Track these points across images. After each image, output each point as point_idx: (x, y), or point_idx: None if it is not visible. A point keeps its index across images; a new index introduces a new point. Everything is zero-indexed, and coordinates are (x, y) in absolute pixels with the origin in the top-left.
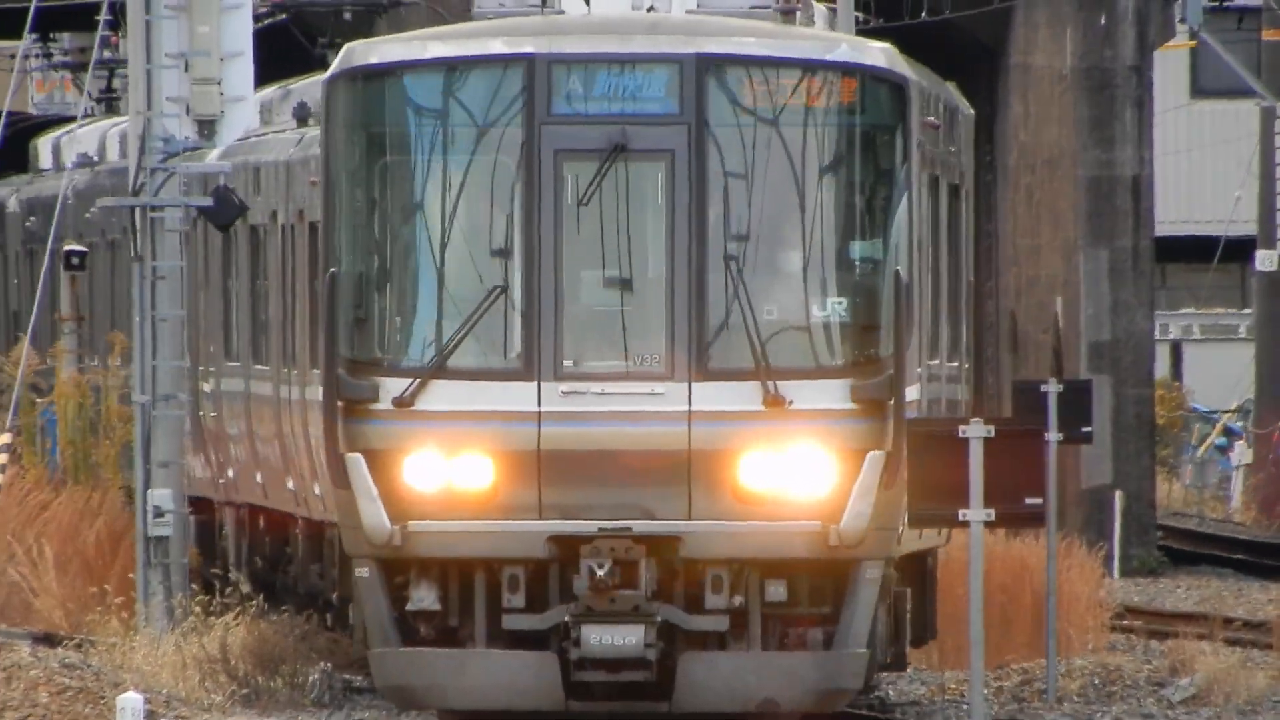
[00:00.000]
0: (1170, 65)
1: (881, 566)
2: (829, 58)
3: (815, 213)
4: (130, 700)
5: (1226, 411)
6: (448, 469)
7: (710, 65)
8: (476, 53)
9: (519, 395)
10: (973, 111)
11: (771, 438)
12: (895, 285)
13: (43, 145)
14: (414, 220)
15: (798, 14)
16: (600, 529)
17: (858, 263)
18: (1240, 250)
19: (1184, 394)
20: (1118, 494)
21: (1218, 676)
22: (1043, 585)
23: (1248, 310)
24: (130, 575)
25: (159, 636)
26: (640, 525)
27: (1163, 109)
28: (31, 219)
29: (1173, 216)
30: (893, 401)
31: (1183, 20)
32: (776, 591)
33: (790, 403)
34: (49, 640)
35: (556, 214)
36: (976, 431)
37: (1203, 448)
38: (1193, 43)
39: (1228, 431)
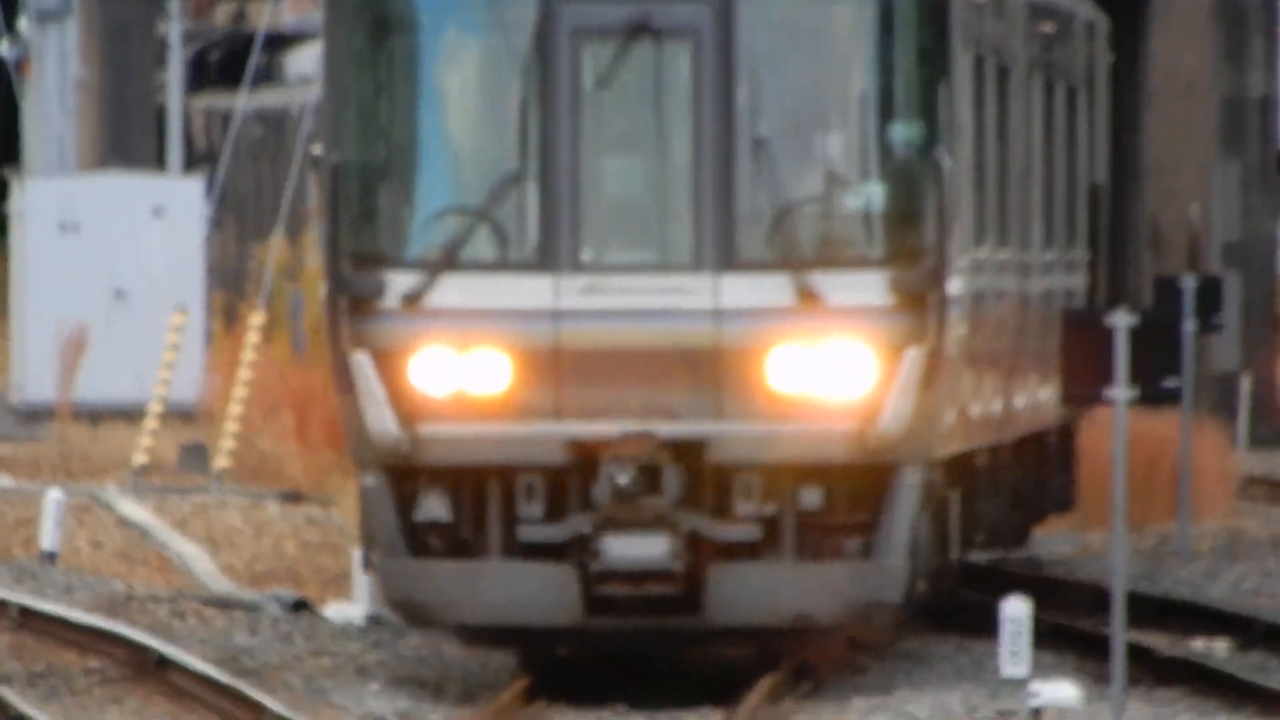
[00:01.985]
0: None
1: (923, 470)
2: None
3: (850, 94)
4: None
5: None
6: (460, 370)
7: None
8: None
9: (536, 290)
10: None
11: (805, 334)
12: (937, 171)
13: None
14: (421, 105)
15: None
16: (622, 432)
17: (896, 147)
18: None
19: None
20: (1245, 377)
21: None
22: (1179, 459)
23: None
24: None
25: None
26: (665, 428)
27: None
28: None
29: None
30: (936, 295)
31: None
32: (811, 499)
33: (825, 297)
34: (295, 498)
35: (574, 98)
36: (1122, 320)
37: None
38: None
39: None
